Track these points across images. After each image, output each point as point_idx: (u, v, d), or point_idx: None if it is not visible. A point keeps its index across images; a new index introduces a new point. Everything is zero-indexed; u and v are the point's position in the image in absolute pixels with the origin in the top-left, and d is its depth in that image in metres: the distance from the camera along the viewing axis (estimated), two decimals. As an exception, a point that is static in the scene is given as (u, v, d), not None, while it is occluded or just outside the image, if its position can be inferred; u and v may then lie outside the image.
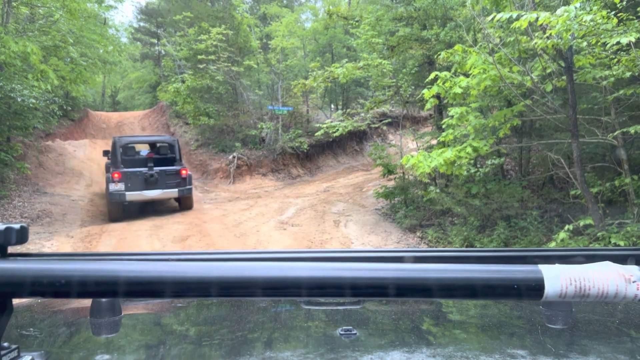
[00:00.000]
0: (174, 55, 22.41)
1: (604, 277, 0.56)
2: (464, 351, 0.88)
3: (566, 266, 0.58)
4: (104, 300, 1.02)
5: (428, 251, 1.07)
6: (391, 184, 17.05)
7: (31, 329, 1.04)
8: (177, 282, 0.57)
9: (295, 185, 17.50)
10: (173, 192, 11.30)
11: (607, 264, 0.58)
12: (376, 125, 11.66)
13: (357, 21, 11.81)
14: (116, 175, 10.44)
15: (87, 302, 1.12)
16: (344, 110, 12.14)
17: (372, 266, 0.60)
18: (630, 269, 0.58)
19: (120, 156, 11.12)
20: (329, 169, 20.70)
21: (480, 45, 6.96)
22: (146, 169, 10.87)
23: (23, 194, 12.36)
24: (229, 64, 17.66)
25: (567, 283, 0.56)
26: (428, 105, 6.87)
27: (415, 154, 7.06)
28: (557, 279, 0.56)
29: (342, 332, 0.94)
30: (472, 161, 7.40)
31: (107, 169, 11.99)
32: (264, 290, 0.58)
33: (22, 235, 0.66)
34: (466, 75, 6.73)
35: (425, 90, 6.61)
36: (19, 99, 9.03)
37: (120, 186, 10.47)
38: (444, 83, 6.53)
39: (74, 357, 0.89)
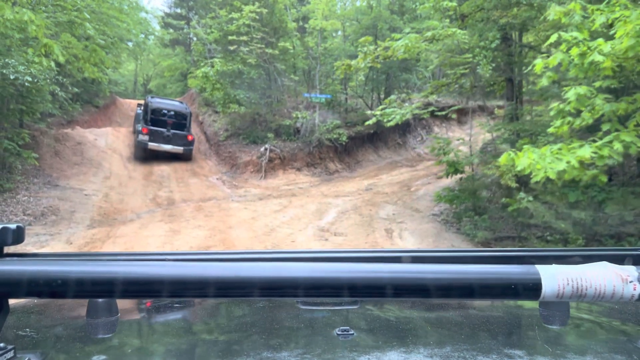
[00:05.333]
0: (204, 38, 20.86)
1: (601, 277, 0.56)
2: (461, 351, 0.86)
3: (563, 266, 0.58)
4: (100, 300, 1.00)
5: (425, 251, 1.03)
6: (444, 182, 15.05)
7: (27, 329, 1.02)
8: (173, 282, 0.56)
9: (333, 181, 15.67)
10: (179, 149, 15.49)
11: (604, 264, 0.58)
12: (423, 116, 9.64)
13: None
14: (145, 130, 14.92)
15: (83, 303, 1.09)
16: (396, 97, 10.15)
17: (370, 266, 0.60)
18: (627, 269, 0.57)
19: (150, 116, 15.27)
20: (369, 164, 18.77)
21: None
22: (165, 130, 15.14)
23: (31, 187, 10.99)
24: (263, 46, 15.91)
25: (564, 283, 0.56)
26: (544, 82, 4.89)
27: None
28: (555, 279, 0.56)
29: (339, 333, 0.93)
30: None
31: (137, 118, 16.71)
32: (261, 291, 0.57)
33: (18, 236, 0.67)
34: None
35: (538, 61, 4.65)
36: (11, 76, 7.54)
37: (146, 138, 14.85)
38: (567, 50, 4.54)
39: (70, 357, 0.88)
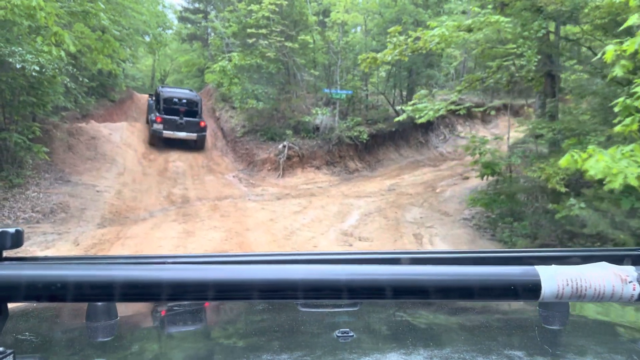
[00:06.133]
0: (222, 32, 20.36)
1: (600, 278, 0.56)
2: (461, 352, 0.86)
3: (563, 267, 0.58)
4: (100, 304, 0.99)
5: (425, 253, 1.06)
6: (471, 184, 14.32)
7: (27, 333, 1.03)
8: (173, 285, 0.56)
9: (353, 181, 15.04)
10: (193, 135, 15.58)
11: (604, 264, 0.58)
12: (460, 112, 8.93)
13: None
14: (158, 119, 15.20)
15: (83, 306, 1.08)
16: (427, 92, 9.45)
17: (369, 268, 0.59)
18: (626, 270, 0.57)
19: (162, 105, 15.67)
20: (391, 162, 18.08)
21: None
22: (178, 117, 15.26)
23: (42, 182, 10.59)
24: (282, 39, 15.33)
25: (563, 284, 0.56)
26: (617, 71, 4.20)
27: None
28: (554, 279, 0.56)
29: (339, 335, 0.93)
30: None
31: (150, 108, 16.92)
32: (261, 293, 0.57)
33: (17, 239, 0.68)
34: None
35: (609, 47, 3.97)
36: (17, 65, 7.09)
37: (160, 126, 15.10)
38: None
39: None
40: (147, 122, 16.85)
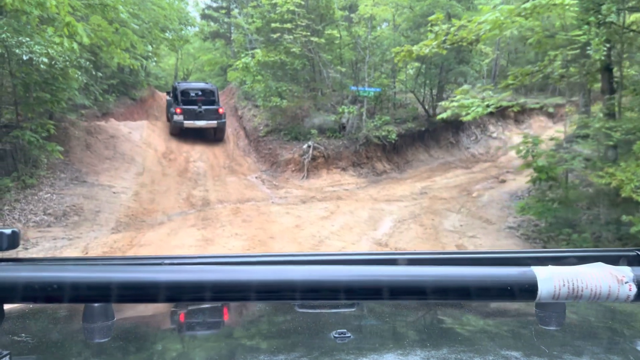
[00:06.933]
0: (245, 28, 19.77)
1: (597, 278, 0.56)
2: (458, 353, 0.87)
3: (559, 267, 0.58)
4: (96, 305, 0.99)
5: (422, 253, 1.04)
6: (509, 187, 13.33)
7: (23, 334, 1.02)
8: (170, 287, 0.56)
9: (382, 183, 14.22)
10: (213, 123, 15.69)
11: (600, 265, 0.58)
12: (514, 109, 8.02)
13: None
14: (178, 110, 15.47)
15: (79, 307, 1.08)
16: (469, 87, 8.58)
17: (366, 269, 0.59)
18: (622, 270, 0.57)
19: (180, 97, 15.90)
20: (420, 164, 17.18)
21: None
22: (197, 107, 15.46)
23: (57, 183, 10.10)
24: (308, 33, 14.60)
25: (560, 284, 0.56)
26: None
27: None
28: (551, 280, 0.56)
29: (336, 335, 0.93)
30: None
31: (169, 105, 17.09)
32: (258, 294, 0.57)
33: (13, 241, 0.68)
34: None
35: None
36: (24, 57, 6.53)
37: (180, 117, 15.38)
38: None
39: None
40: (168, 119, 17.16)
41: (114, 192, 10.48)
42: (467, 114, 6.63)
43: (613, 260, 0.76)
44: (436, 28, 7.23)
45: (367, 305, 1.15)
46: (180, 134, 15.88)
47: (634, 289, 0.55)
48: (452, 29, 7.16)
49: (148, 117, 19.88)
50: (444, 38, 8.11)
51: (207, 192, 11.67)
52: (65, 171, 10.97)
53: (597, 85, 8.42)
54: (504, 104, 7.20)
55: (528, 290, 0.56)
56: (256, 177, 13.82)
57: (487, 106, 6.51)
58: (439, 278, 0.57)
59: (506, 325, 1.11)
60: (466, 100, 6.67)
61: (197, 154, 14.96)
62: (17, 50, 6.43)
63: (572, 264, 0.59)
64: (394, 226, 8.54)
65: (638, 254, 0.84)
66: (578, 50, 6.37)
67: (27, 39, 6.53)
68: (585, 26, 5.97)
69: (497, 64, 23.81)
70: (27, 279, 0.55)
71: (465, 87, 7.44)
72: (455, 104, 6.64)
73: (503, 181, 14.48)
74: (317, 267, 0.58)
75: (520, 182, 14.55)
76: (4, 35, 6.36)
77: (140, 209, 9.61)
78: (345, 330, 0.93)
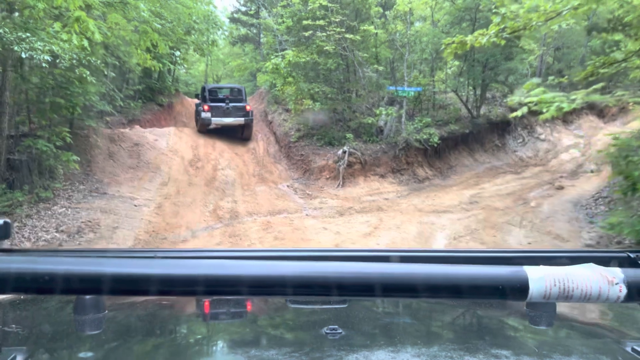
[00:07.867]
0: (275, 29, 18.89)
1: (587, 279, 0.56)
2: (448, 351, 0.86)
3: (550, 268, 0.57)
4: (88, 297, 0.97)
5: (414, 251, 1.02)
6: (570, 194, 11.88)
7: (13, 325, 1.01)
8: (162, 280, 0.55)
9: (425, 191, 12.96)
10: (241, 120, 15.69)
11: (591, 265, 0.58)
12: (609, 103, 6.69)
13: None
14: (206, 107, 15.51)
15: (71, 299, 1.05)
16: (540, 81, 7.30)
17: (359, 265, 0.59)
18: (613, 271, 0.57)
19: (208, 96, 16.08)
20: (464, 169, 15.83)
21: None
22: (224, 104, 15.61)
23: (74, 195, 9.33)
24: (342, 30, 13.54)
25: (551, 284, 0.56)
26: None
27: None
28: (542, 280, 0.56)
29: (327, 331, 0.92)
30: None
31: (197, 112, 17.03)
32: (250, 289, 0.57)
33: (5, 231, 0.69)
34: None
35: None
36: (23, 54, 5.70)
37: (208, 115, 15.46)
38: None
39: (57, 354, 0.87)
40: (196, 123, 17.37)
41: (135, 205, 9.63)
42: (548, 110, 5.42)
43: (604, 262, 0.74)
44: (503, 9, 6.05)
45: (359, 301, 1.13)
46: (208, 134, 15.83)
47: (624, 290, 0.55)
48: (520, 11, 5.94)
49: (176, 124, 19.22)
50: (503, 26, 6.89)
51: (236, 203, 10.72)
52: (85, 182, 10.22)
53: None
54: (595, 98, 5.94)
55: (519, 289, 0.55)
56: (288, 186, 12.80)
57: (572, 101, 5.31)
58: (431, 276, 0.56)
59: (497, 324, 1.11)
60: (547, 95, 5.48)
61: (226, 162, 14.08)
62: (15, 48, 5.63)
63: (563, 265, 0.58)
64: (449, 244, 7.33)
65: (629, 256, 0.84)
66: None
67: (28, 34, 5.72)
68: None
69: (543, 60, 22.19)
70: (18, 269, 0.54)
71: (534, 80, 6.23)
72: (533, 98, 5.47)
73: (560, 187, 13.00)
74: (309, 263, 0.58)
75: (580, 188, 13.03)
76: (1, 31, 5.55)
77: (162, 224, 8.71)
78: (336, 326, 0.93)
